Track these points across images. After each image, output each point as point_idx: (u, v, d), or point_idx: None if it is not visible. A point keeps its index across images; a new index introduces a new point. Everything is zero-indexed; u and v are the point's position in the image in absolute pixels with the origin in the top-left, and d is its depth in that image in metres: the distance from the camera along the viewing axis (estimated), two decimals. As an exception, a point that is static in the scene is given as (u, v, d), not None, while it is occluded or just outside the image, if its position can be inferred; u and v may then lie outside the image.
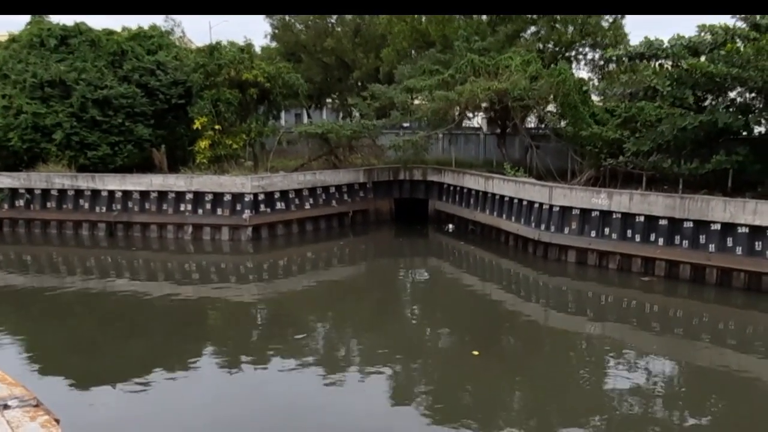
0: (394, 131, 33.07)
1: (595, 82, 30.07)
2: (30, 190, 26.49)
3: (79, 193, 26.21)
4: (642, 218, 19.87)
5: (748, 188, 20.40)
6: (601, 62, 31.28)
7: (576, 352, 14.75)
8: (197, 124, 26.43)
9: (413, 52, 34.66)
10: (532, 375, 13.29)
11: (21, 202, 26.65)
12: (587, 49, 32.64)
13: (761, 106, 20.63)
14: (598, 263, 20.81)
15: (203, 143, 26.69)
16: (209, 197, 25.05)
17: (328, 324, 16.77)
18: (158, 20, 68.72)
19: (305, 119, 43.65)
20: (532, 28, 32.48)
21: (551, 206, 21.74)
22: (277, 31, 42.72)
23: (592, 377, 13.21)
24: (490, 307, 18.55)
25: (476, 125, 35.57)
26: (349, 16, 39.98)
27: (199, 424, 10.76)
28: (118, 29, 30.63)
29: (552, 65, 26.23)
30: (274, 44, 43.74)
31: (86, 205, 26.17)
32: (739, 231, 17.96)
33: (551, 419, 11.11)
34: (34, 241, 25.63)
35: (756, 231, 17.70)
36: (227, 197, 24.84)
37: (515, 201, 23.57)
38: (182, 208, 25.34)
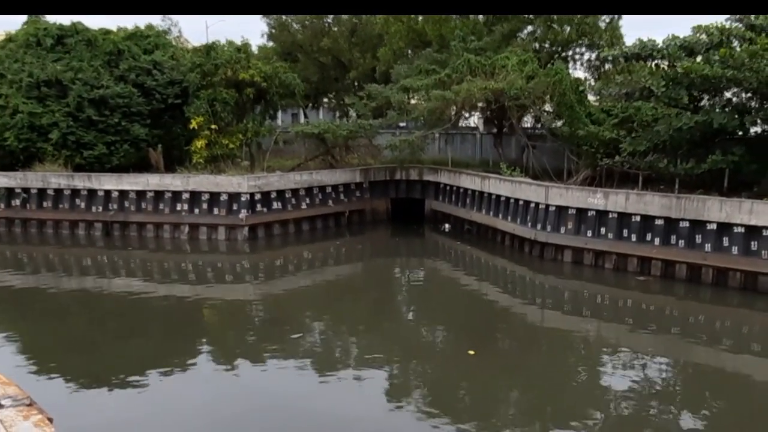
0: (391, 131, 33.08)
1: (592, 82, 30.10)
2: (26, 190, 26.43)
3: (75, 192, 26.16)
4: (638, 218, 19.89)
5: (744, 188, 20.43)
6: (597, 62, 31.35)
7: (572, 351, 14.77)
8: (194, 124, 26.41)
9: (410, 51, 34.68)
10: (528, 374, 13.30)
11: (17, 202, 26.58)
12: (584, 49, 32.68)
13: (757, 106, 20.67)
14: (594, 263, 20.83)
15: (200, 143, 26.68)
16: (206, 197, 25.03)
17: (325, 324, 16.77)
18: (155, 20, 68.77)
19: (302, 119, 43.64)
20: (529, 28, 32.50)
21: (547, 206, 21.76)
22: (273, 30, 42.75)
23: (588, 377, 13.23)
24: (486, 306, 18.57)
25: (473, 125, 35.62)
26: (345, 16, 40.01)
27: (195, 424, 10.75)
28: (115, 29, 30.61)
29: (548, 65, 26.25)
30: (270, 44, 43.78)
31: (83, 205, 26.13)
32: (735, 231, 17.98)
33: (547, 419, 11.12)
34: (31, 240, 25.59)
35: (752, 231, 17.73)
36: (224, 197, 24.82)
37: (511, 201, 23.58)
38: (179, 208, 25.31)
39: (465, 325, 16.39)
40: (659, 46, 21.64)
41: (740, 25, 21.14)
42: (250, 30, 76.04)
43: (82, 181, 25.96)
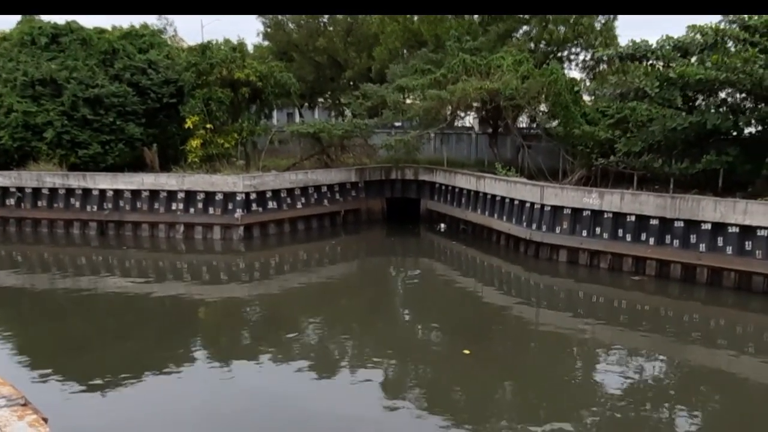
0: (386, 131, 33.09)
1: (587, 82, 30.14)
2: (21, 189, 26.34)
3: (70, 192, 26.08)
4: (633, 218, 19.93)
5: (739, 188, 20.48)
6: (592, 62, 31.39)
7: (567, 351, 14.79)
8: (189, 123, 26.39)
9: (405, 51, 34.70)
10: (523, 374, 13.33)
11: (12, 201, 26.49)
12: (579, 50, 32.73)
13: (751, 106, 20.72)
14: (589, 263, 20.86)
15: (195, 142, 26.65)
16: (201, 196, 24.99)
17: (320, 323, 16.75)
18: (150, 19, 68.67)
19: (297, 118, 43.66)
20: (524, 28, 32.56)
21: (542, 206, 21.78)
22: (269, 29, 42.72)
23: (583, 376, 13.27)
24: (481, 306, 18.60)
25: (468, 125, 35.65)
26: (341, 16, 39.99)
27: (190, 424, 10.75)
28: (110, 28, 30.56)
29: (543, 65, 26.27)
30: (266, 43, 43.74)
31: (77, 204, 26.05)
32: (730, 231, 18.03)
33: (542, 418, 11.13)
34: (25, 240, 25.52)
35: (746, 231, 17.78)
36: (219, 196, 24.79)
37: (507, 200, 23.61)
38: (174, 208, 25.27)
39: (460, 324, 16.40)
40: (653, 47, 21.67)
41: (734, 26, 21.15)
42: (246, 29, 75.94)
43: (77, 181, 25.89)
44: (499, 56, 26.32)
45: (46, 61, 26.75)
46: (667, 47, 21.45)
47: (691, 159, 20.75)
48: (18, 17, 29.30)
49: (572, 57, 33.20)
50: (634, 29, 68.73)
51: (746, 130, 21.16)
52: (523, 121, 30.23)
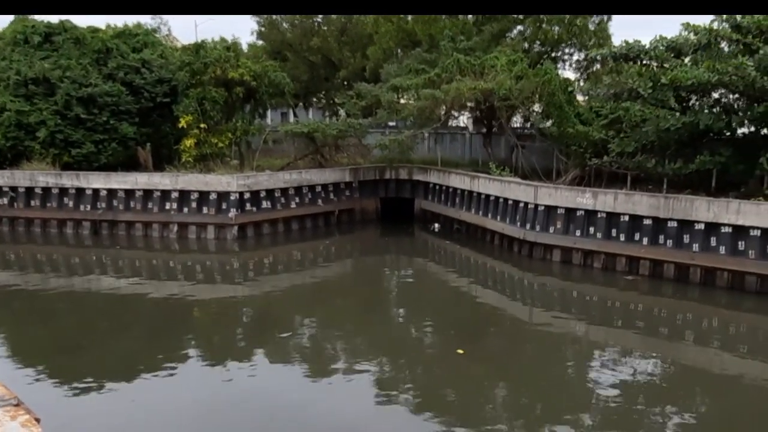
0: (380, 130, 33.10)
1: (581, 82, 30.20)
2: (14, 188, 26.23)
3: (63, 191, 25.99)
4: (626, 218, 19.97)
5: (732, 188, 20.54)
6: (585, 63, 31.46)
7: (560, 350, 14.82)
8: (182, 123, 26.32)
9: (399, 51, 34.70)
10: (516, 373, 13.35)
11: (5, 200, 26.39)
12: (573, 50, 32.79)
13: (744, 107, 20.78)
14: (582, 262, 20.90)
15: (189, 142, 26.60)
16: (195, 196, 24.94)
17: (314, 323, 16.75)
18: (144, 18, 68.49)
19: (291, 118, 43.59)
20: (519, 28, 32.59)
21: (536, 205, 21.81)
22: (263, 29, 42.71)
23: (577, 376, 13.29)
24: (475, 305, 18.62)
25: (462, 125, 35.66)
26: (335, 15, 39.97)
27: (184, 423, 10.73)
28: (103, 27, 30.48)
29: (537, 65, 26.30)
30: (260, 42, 43.71)
31: (71, 204, 25.97)
32: (723, 231, 18.08)
33: (536, 418, 11.16)
34: (18, 239, 25.44)
35: (739, 231, 17.83)
36: (213, 196, 24.75)
37: (501, 200, 23.63)
38: (168, 207, 25.21)
39: (454, 324, 16.41)
40: (646, 48, 21.71)
41: (726, 26, 21.15)
42: (240, 28, 76.04)
43: (70, 180, 25.82)
44: (493, 56, 26.35)
45: (39, 60, 26.66)
46: (661, 48, 21.51)
47: (685, 159, 20.81)
48: (11, 16, 29.18)
49: (566, 57, 33.28)
50: (628, 29, 69.01)
51: (739, 131, 21.21)
52: (517, 121, 30.24)
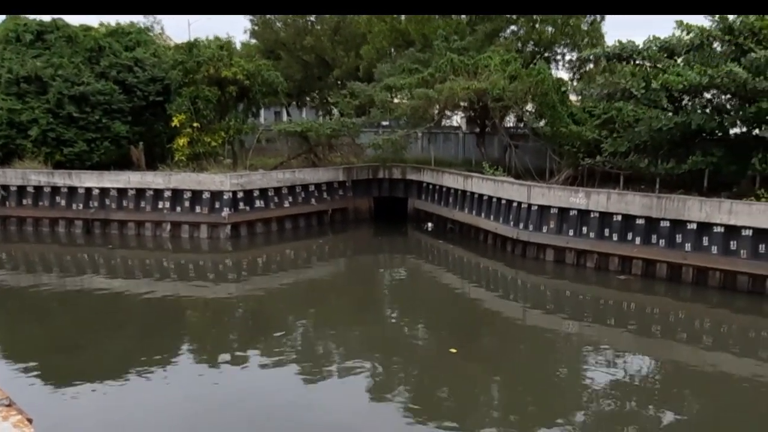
0: (374, 130, 33.09)
1: (574, 82, 30.26)
2: (5, 187, 26.11)
3: (55, 190, 25.88)
4: (619, 217, 20.03)
5: (724, 188, 20.63)
6: (578, 63, 31.51)
7: (553, 350, 14.85)
8: (175, 122, 26.25)
9: (393, 51, 34.70)
10: (509, 373, 13.37)
11: (-4, 200, 26.33)
12: (565, 50, 32.86)
13: (736, 107, 20.84)
14: (575, 262, 20.95)
15: (182, 140, 26.53)
16: (188, 195, 24.88)
17: (307, 322, 16.74)
18: (137, 17, 68.26)
19: (285, 117, 43.52)
20: (512, 28, 32.63)
21: (530, 205, 21.85)
22: (256, 28, 42.66)
23: (570, 375, 13.31)
24: (468, 305, 18.63)
25: (455, 124, 35.69)
26: (328, 15, 39.93)
27: (177, 423, 10.71)
28: (96, 25, 30.39)
29: (531, 65, 26.34)
30: (253, 41, 43.63)
31: (63, 203, 25.86)
32: (715, 231, 18.16)
33: (529, 417, 11.18)
34: (10, 238, 25.33)
35: (731, 231, 17.91)
36: (206, 195, 24.70)
37: (494, 200, 23.66)
38: (160, 206, 25.15)
39: (447, 323, 16.43)
40: (639, 48, 21.75)
41: (716, 26, 21.14)
42: (233, 27, 76.04)
43: (62, 179, 25.71)
44: (487, 56, 26.37)
45: (31, 59, 26.56)
46: (654, 48, 21.54)
47: (677, 159, 20.88)
48: (2, 16, 29.07)
49: (559, 57, 33.35)
50: (621, 29, 69.01)
51: (731, 131, 21.29)
52: (510, 121, 30.29)
